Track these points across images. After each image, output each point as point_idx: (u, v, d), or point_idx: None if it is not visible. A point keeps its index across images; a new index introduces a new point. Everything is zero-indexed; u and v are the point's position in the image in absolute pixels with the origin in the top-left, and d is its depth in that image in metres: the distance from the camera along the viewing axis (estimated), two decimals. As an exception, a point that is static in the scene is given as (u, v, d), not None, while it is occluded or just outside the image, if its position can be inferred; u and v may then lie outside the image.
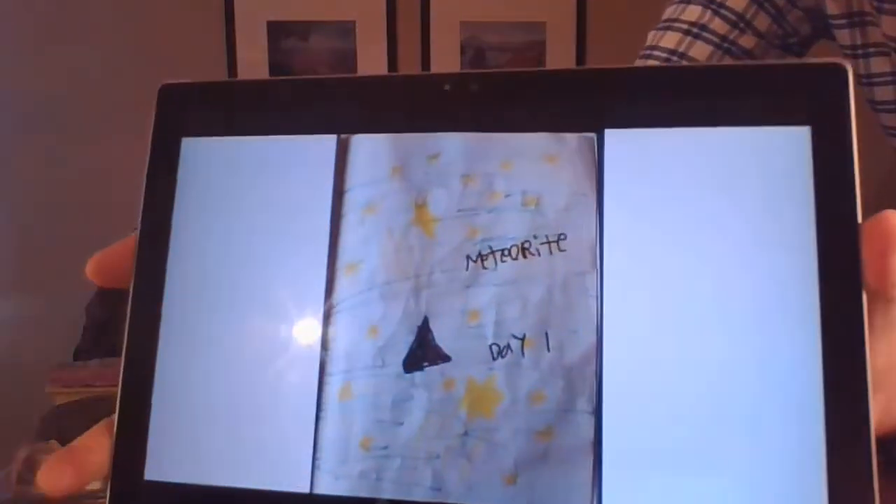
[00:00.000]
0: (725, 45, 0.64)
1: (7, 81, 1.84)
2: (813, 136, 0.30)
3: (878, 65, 0.58)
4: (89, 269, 0.35)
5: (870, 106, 0.62)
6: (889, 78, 0.58)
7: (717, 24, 0.64)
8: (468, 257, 0.32)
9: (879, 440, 0.28)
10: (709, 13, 0.64)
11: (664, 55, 0.65)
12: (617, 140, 0.32)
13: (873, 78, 0.59)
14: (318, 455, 0.32)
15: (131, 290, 0.34)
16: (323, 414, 0.32)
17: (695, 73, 0.33)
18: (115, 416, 0.34)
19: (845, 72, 0.29)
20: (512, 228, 0.32)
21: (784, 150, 0.30)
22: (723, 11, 0.64)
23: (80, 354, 1.62)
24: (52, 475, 0.33)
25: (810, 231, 0.29)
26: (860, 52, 0.58)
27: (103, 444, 0.34)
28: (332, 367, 0.32)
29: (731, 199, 0.30)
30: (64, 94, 1.83)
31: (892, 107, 0.59)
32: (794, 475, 0.28)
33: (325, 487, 0.31)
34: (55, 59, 1.82)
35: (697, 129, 0.31)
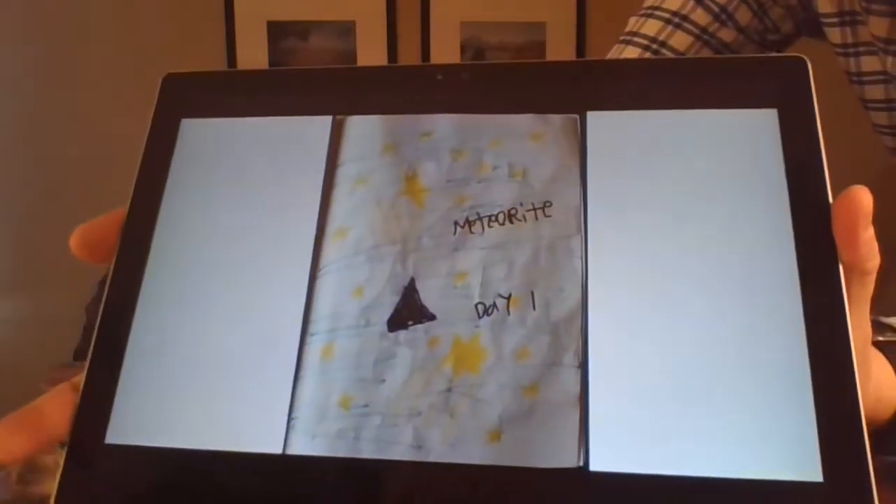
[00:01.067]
0: (705, 37, 0.65)
1: (7, 81, 1.85)
2: (780, 117, 0.32)
3: (868, 63, 0.58)
4: (73, 241, 0.34)
5: (861, 104, 0.62)
6: (879, 77, 0.58)
7: (699, 15, 0.65)
8: (456, 223, 0.33)
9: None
10: (691, 3, 0.65)
11: (644, 42, 0.66)
12: (599, 121, 0.34)
13: (864, 76, 0.60)
14: (294, 415, 0.31)
15: (116, 251, 0.34)
16: (302, 373, 0.31)
17: (671, 64, 0.36)
18: (83, 377, 0.32)
19: (805, 63, 0.33)
20: (499, 197, 0.33)
21: (754, 128, 0.32)
22: (706, 2, 0.64)
23: (80, 354, 1.61)
24: (2, 441, 0.30)
25: (783, 199, 0.31)
26: (851, 50, 0.59)
27: (63, 405, 0.32)
28: (314, 328, 0.32)
29: (707, 170, 0.32)
30: (64, 94, 1.84)
31: (882, 105, 0.60)
32: (785, 429, 0.28)
33: (299, 448, 0.30)
34: (55, 59, 1.83)
35: (674, 111, 0.33)
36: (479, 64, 0.37)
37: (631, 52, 0.66)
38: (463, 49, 1.88)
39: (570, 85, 0.36)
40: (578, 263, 0.32)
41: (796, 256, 0.30)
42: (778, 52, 0.67)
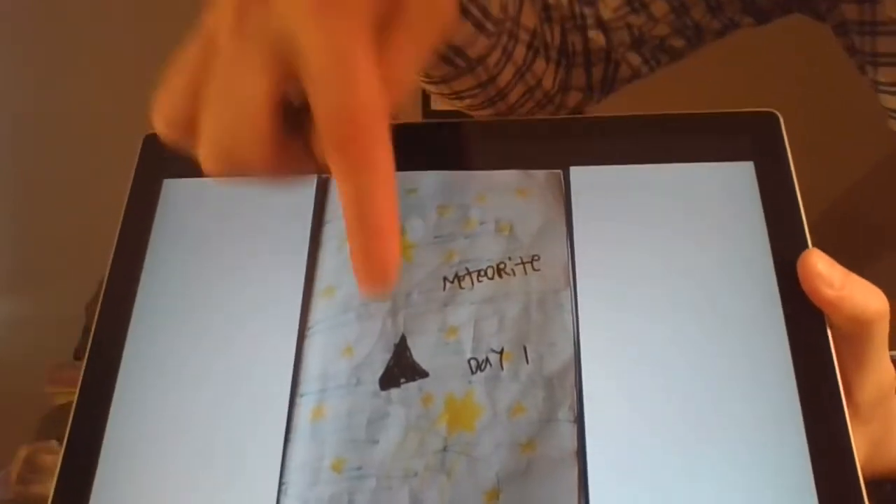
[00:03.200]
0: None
1: (5, 79, 1.84)
2: (756, 169, 0.33)
3: (885, 45, 0.55)
4: (159, 121, 0.29)
5: (872, 87, 0.59)
6: (894, 59, 0.55)
7: None
8: (445, 278, 0.33)
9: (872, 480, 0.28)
10: None
11: None
12: (582, 176, 0.35)
13: (879, 57, 0.56)
14: (284, 479, 0.30)
15: (96, 315, 0.34)
16: (292, 436, 0.31)
17: (649, 120, 0.37)
18: (62, 451, 0.31)
19: (777, 117, 0.34)
20: (487, 251, 0.34)
21: (733, 180, 0.33)
22: None
23: (80, 354, 1.61)
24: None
25: (766, 249, 0.32)
26: (867, 29, 0.55)
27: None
28: (304, 388, 0.32)
29: (690, 222, 0.33)
30: (62, 93, 1.83)
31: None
32: (782, 482, 0.28)
33: None
34: (53, 57, 1.82)
35: (655, 165, 0.34)
36: (461, 122, 0.37)
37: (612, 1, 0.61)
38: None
39: (552, 140, 0.36)
40: (569, 317, 0.32)
41: (781, 306, 0.31)
42: (760, 23, 0.63)
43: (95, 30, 1.83)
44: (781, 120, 0.34)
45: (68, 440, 0.31)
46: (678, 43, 0.63)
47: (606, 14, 0.58)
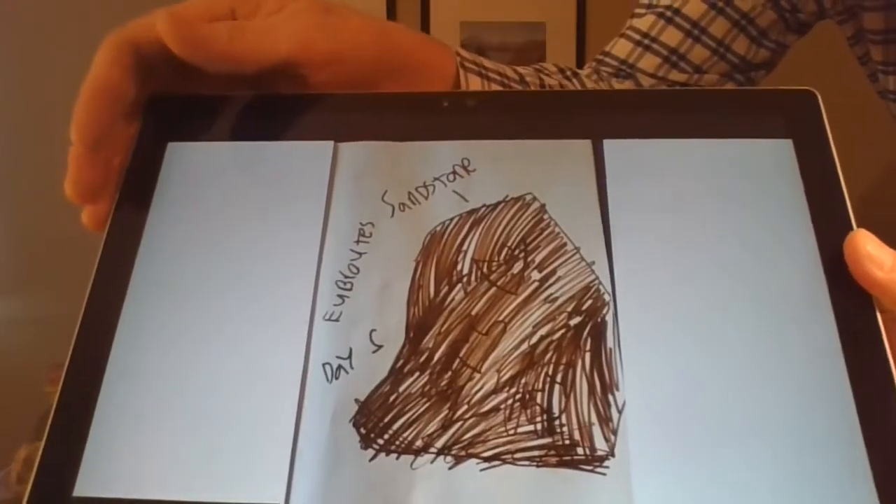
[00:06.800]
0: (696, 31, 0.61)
1: (6, 80, 1.84)
2: (795, 147, 0.32)
3: None
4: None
5: (882, 96, 0.59)
6: None
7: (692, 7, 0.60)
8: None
9: None
10: None
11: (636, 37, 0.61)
12: (616, 148, 0.33)
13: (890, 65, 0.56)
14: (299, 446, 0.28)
15: (90, 283, 0.31)
16: (306, 404, 0.29)
17: (685, 95, 0.36)
18: (50, 418, 0.29)
19: (816, 95, 0.33)
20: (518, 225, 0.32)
21: (770, 157, 0.32)
22: None
23: (79, 354, 1.60)
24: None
25: (808, 228, 0.30)
26: (893, 36, 0.55)
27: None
28: (317, 358, 0.30)
29: (727, 195, 0.32)
30: (63, 93, 1.83)
31: None
32: (834, 467, 0.26)
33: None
34: (54, 56, 1.82)
35: (690, 140, 0.33)
36: (484, 92, 0.36)
37: (623, 46, 0.61)
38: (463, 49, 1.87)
39: (586, 113, 0.35)
40: (606, 287, 0.30)
41: (828, 289, 0.29)
42: (802, 34, 0.62)
43: (92, 29, 1.82)
44: (820, 98, 0.33)
45: (53, 422, 0.29)
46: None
47: (646, 81, 0.57)
